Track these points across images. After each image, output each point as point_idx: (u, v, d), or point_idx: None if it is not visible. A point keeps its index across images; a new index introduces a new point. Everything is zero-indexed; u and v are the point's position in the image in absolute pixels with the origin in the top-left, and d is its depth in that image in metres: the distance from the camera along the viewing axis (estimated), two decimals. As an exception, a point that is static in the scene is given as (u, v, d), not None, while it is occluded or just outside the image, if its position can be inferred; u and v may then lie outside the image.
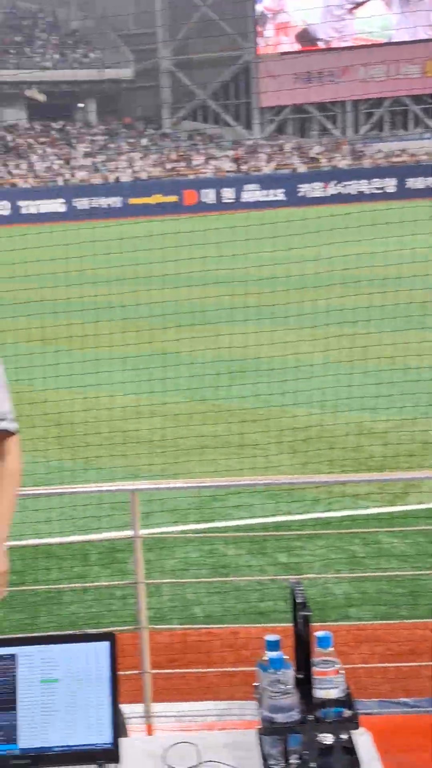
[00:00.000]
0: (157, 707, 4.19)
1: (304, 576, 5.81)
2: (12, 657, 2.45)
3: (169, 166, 54.12)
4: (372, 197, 43.75)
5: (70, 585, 6.11)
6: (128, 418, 9.31)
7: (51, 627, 5.59)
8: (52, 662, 2.45)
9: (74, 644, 2.47)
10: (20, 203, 45.03)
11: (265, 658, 2.36)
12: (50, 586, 6.04)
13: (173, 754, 2.44)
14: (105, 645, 2.47)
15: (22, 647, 2.46)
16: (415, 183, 46.20)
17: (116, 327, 11.36)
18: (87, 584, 6.04)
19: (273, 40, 59.91)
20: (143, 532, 4.12)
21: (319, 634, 2.35)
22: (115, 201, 45.51)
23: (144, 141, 59.37)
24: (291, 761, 2.28)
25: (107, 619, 5.70)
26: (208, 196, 46.23)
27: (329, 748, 2.28)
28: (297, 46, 59.06)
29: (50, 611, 5.80)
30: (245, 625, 5.22)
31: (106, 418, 9.38)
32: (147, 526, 6.70)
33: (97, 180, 50.95)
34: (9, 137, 59.49)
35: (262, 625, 5.17)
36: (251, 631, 5.05)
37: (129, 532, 4.02)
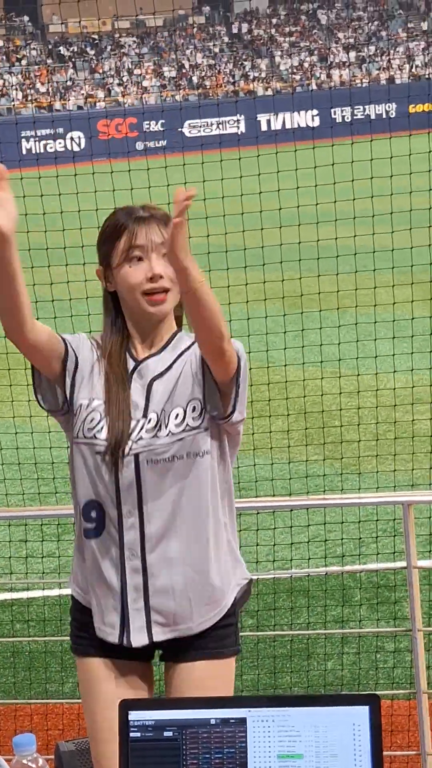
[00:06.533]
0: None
1: None
2: (242, 722, 2.47)
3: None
4: None
5: (325, 631, 6.15)
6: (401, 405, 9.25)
7: (298, 689, 5.65)
8: (292, 731, 2.44)
9: (321, 708, 2.44)
10: (260, 116, 45.66)
11: None
12: (298, 632, 6.11)
13: None
14: (363, 711, 2.42)
15: (255, 709, 2.47)
16: None
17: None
18: (347, 630, 6.06)
19: None
20: (422, 563, 4.09)
21: None
22: (389, 109, 45.10)
23: None
24: None
25: (372, 680, 5.71)
26: None
27: None
28: None
29: (298, 667, 5.87)
30: None
31: (370, 405, 9.33)
32: (427, 554, 6.63)
33: (362, 82, 50.87)
34: (245, 28, 60.50)
35: None
36: None
37: (401, 563, 3.99)
